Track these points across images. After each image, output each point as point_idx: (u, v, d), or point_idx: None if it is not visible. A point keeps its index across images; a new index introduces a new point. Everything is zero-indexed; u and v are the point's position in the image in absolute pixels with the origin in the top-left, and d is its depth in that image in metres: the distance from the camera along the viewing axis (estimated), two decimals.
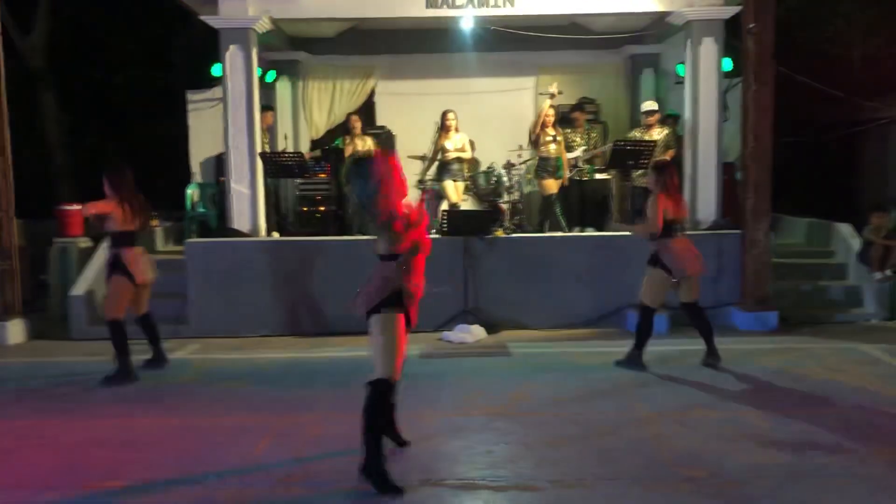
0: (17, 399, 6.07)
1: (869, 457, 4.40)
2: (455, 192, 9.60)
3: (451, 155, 9.56)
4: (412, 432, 4.76)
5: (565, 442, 4.75)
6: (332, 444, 4.74)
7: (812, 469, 4.24)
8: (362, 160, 4.05)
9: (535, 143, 9.62)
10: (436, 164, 9.74)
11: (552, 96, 9.52)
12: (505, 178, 10.25)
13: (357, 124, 10.17)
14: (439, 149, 9.58)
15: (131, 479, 4.27)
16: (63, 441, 4.97)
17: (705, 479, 4.14)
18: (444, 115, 9.59)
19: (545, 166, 9.59)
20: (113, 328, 6.34)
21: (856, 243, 8.84)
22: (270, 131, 10.40)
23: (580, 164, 10.00)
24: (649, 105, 9.71)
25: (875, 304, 8.39)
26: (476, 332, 7.84)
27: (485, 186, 10.03)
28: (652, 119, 9.53)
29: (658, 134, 9.46)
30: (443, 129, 9.60)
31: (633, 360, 6.49)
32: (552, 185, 9.58)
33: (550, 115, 9.56)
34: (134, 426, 5.23)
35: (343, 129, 10.76)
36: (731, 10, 8.68)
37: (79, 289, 8.50)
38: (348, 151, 9.87)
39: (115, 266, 6.38)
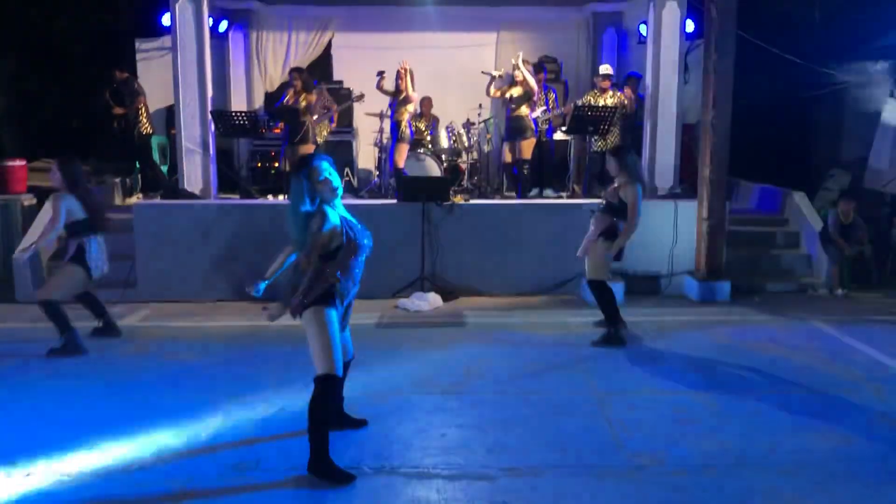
0: None
1: (814, 442, 4.49)
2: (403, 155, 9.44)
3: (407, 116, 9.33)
4: (367, 412, 4.78)
5: (519, 424, 4.76)
6: (282, 426, 4.69)
7: (758, 456, 4.32)
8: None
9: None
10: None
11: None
12: (464, 137, 10.14)
13: (298, 81, 9.34)
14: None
15: (74, 468, 4.17)
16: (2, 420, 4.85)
17: (654, 467, 4.18)
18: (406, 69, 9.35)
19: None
20: (47, 309, 6.11)
21: (810, 212, 8.93)
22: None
23: (540, 124, 9.90)
24: (604, 69, 9.61)
25: (826, 274, 8.52)
26: (432, 300, 7.77)
27: (444, 146, 9.88)
28: (605, 83, 9.43)
29: (611, 98, 9.37)
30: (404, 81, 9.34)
31: (614, 338, 6.39)
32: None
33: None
34: (80, 405, 5.10)
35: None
36: None
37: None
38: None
39: (78, 257, 6.12)
